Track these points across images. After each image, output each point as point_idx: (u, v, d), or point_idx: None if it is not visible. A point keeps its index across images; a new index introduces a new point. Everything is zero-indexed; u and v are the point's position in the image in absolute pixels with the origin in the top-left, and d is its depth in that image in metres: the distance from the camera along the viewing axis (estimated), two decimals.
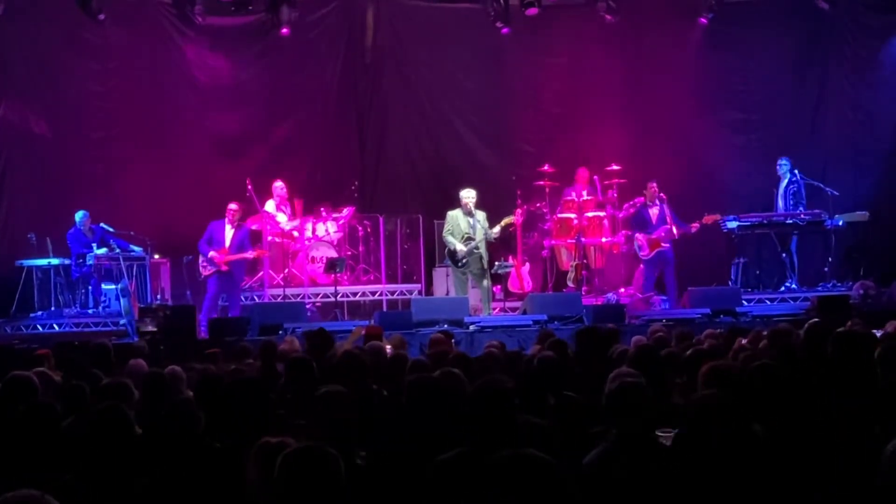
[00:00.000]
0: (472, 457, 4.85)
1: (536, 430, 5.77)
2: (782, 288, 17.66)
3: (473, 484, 4.43)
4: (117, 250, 16.41)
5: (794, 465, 5.05)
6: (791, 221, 17.75)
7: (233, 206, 16.59)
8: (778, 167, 17.98)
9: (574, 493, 4.79)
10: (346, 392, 5.50)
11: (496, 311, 16.74)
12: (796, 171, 17.95)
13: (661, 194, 17.22)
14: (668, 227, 17.03)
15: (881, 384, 5.71)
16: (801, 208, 17.77)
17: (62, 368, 9.02)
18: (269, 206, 17.84)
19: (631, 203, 17.80)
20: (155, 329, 14.26)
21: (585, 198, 18.05)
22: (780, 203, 17.89)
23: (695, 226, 17.00)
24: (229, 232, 16.54)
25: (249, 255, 16.88)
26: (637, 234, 17.30)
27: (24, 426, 5.54)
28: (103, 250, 16.42)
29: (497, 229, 16.19)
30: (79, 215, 16.68)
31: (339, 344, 10.93)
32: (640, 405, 5.05)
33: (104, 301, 16.48)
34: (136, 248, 16.65)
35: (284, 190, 18.00)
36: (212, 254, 16.37)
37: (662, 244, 17.05)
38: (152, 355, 11.66)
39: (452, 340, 12.32)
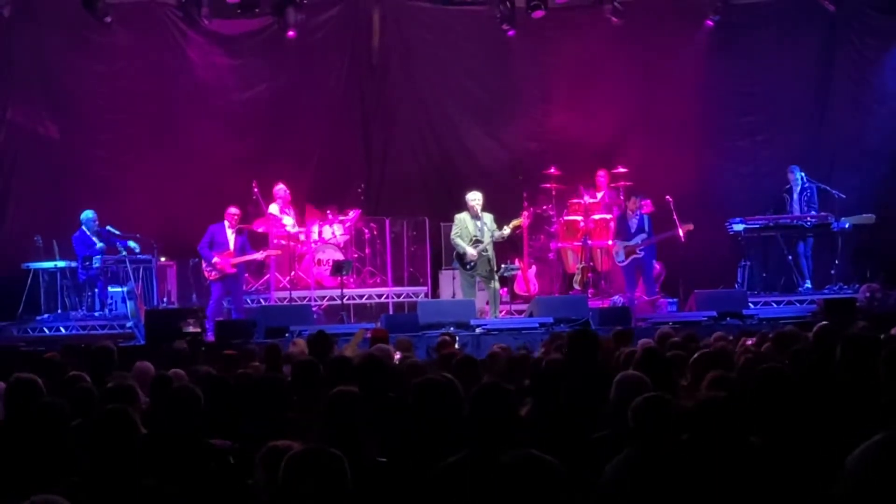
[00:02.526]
0: (476, 459, 4.85)
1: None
2: (799, 289, 17.64)
3: (479, 486, 4.43)
4: (123, 252, 16.40)
5: (797, 472, 5.04)
6: (797, 224, 17.74)
7: (233, 210, 16.63)
8: (790, 176, 17.94)
9: (576, 494, 4.80)
10: (356, 393, 5.49)
11: (503, 313, 16.74)
12: (804, 176, 17.92)
13: (668, 196, 17.24)
14: (646, 235, 17.25)
15: (883, 391, 5.68)
16: (812, 212, 17.76)
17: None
18: (273, 208, 17.84)
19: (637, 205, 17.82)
20: (199, 330, 14.31)
21: (591, 200, 18.08)
22: (797, 210, 17.84)
23: (662, 236, 17.11)
24: (231, 235, 16.57)
25: (259, 255, 16.94)
26: (616, 242, 17.46)
27: (33, 425, 5.55)
28: (101, 245, 16.43)
29: (507, 230, 16.19)
30: (86, 215, 16.62)
31: (344, 347, 10.94)
32: (666, 421, 5.01)
33: (110, 304, 16.50)
34: (133, 245, 16.55)
35: (287, 192, 17.98)
36: (215, 259, 16.39)
37: (638, 251, 17.24)
38: (192, 357, 11.70)
39: (456, 344, 12.35)
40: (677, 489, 4.81)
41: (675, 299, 17.52)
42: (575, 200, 18.22)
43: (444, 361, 8.34)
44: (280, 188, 17.94)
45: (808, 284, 17.72)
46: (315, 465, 3.97)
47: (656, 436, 4.95)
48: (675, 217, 17.15)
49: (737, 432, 4.97)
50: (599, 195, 18.39)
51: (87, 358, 9.80)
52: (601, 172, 18.48)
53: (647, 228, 17.29)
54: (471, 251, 16.11)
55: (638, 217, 17.36)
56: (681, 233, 17.01)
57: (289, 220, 17.88)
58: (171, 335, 13.75)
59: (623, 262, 17.39)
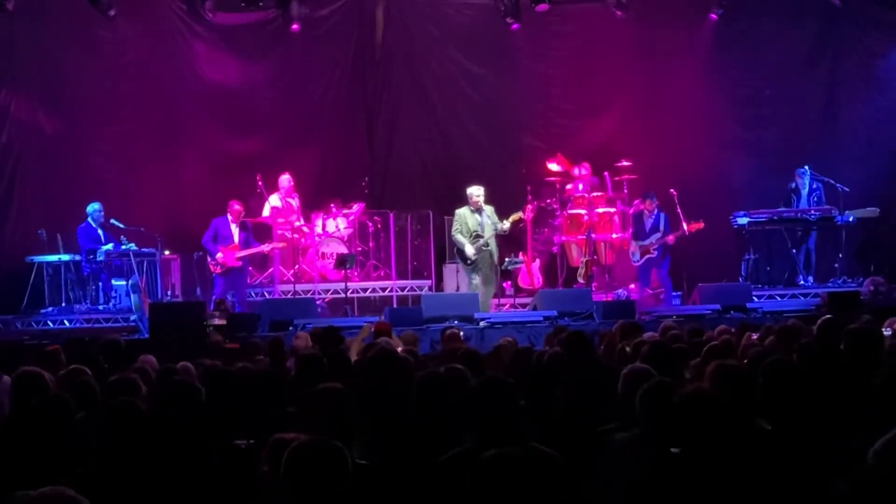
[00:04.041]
0: (478, 452, 4.86)
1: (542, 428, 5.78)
2: (801, 283, 17.64)
3: (479, 479, 4.43)
4: (128, 246, 16.40)
5: (802, 462, 5.04)
6: (801, 217, 17.74)
7: (237, 205, 16.66)
8: (799, 176, 17.87)
9: (576, 486, 4.81)
10: (343, 389, 5.51)
11: (506, 307, 16.75)
12: (813, 176, 17.87)
13: (672, 190, 17.21)
14: (660, 235, 17.16)
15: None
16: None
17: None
18: (274, 199, 17.80)
19: (641, 199, 17.80)
20: (225, 322, 14.41)
21: (595, 193, 18.08)
22: (808, 205, 17.80)
23: (670, 238, 17.04)
24: (235, 229, 16.62)
25: (266, 247, 16.98)
26: (631, 242, 17.48)
27: (39, 419, 5.56)
28: (110, 246, 16.44)
29: (507, 224, 16.19)
30: (92, 207, 16.61)
31: (349, 340, 10.95)
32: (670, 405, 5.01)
33: (115, 297, 16.50)
34: (127, 247, 16.52)
35: (290, 182, 17.94)
36: (220, 253, 16.41)
37: (652, 251, 17.21)
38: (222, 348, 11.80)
39: (461, 334, 12.35)
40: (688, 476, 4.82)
41: (679, 293, 17.51)
42: (579, 195, 18.18)
43: (449, 355, 8.34)
44: (284, 178, 17.87)
45: (810, 279, 17.72)
46: (317, 456, 3.98)
47: (663, 419, 4.98)
48: (678, 210, 17.13)
49: (731, 426, 4.96)
50: (580, 186, 18.30)
51: (96, 351, 9.82)
52: (584, 164, 18.39)
53: (661, 227, 17.23)
54: (469, 249, 16.13)
55: (654, 216, 17.32)
56: (685, 227, 16.97)
57: (293, 203, 17.84)
58: (175, 329, 13.77)
59: (638, 261, 17.38)
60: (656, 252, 17.22)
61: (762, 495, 4.78)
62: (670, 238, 17.05)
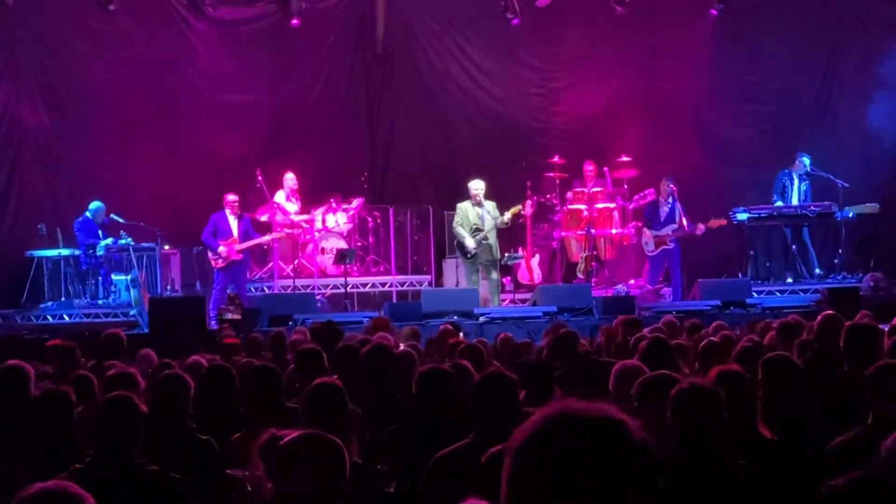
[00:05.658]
0: (478, 447, 4.86)
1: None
2: (801, 279, 17.63)
3: (481, 473, 4.44)
4: (126, 241, 16.39)
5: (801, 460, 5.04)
6: (801, 213, 17.72)
7: (232, 196, 16.63)
8: (798, 163, 17.83)
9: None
10: (339, 385, 5.50)
11: (506, 302, 16.74)
12: (810, 166, 17.87)
13: (672, 185, 17.18)
14: (677, 225, 17.04)
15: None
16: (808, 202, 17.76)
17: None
18: (279, 196, 17.81)
19: (641, 195, 17.76)
20: (239, 317, 14.46)
21: (595, 189, 18.05)
22: (798, 199, 17.77)
23: (700, 228, 16.93)
24: (233, 222, 16.57)
25: (265, 238, 16.97)
26: (645, 230, 17.34)
27: (39, 413, 5.56)
28: (109, 240, 16.43)
29: (508, 216, 16.20)
30: (94, 205, 16.60)
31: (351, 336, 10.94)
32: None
33: (114, 291, 16.49)
34: (125, 242, 16.52)
35: (295, 181, 17.96)
36: (221, 248, 16.38)
37: (669, 242, 17.08)
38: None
39: (461, 333, 12.34)
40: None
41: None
42: (578, 189, 18.16)
43: (450, 350, 8.35)
44: (289, 177, 17.87)
45: (817, 270, 17.69)
46: (313, 450, 3.95)
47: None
48: (678, 206, 17.12)
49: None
50: (594, 189, 18.23)
51: (97, 345, 9.81)
52: (589, 167, 18.29)
53: (676, 219, 17.13)
54: (469, 241, 16.13)
55: (670, 206, 17.23)
56: (684, 221, 16.95)
57: (293, 208, 17.86)
58: (175, 323, 13.78)
59: (652, 252, 17.26)
60: (673, 244, 17.11)
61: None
62: (701, 228, 16.86)
